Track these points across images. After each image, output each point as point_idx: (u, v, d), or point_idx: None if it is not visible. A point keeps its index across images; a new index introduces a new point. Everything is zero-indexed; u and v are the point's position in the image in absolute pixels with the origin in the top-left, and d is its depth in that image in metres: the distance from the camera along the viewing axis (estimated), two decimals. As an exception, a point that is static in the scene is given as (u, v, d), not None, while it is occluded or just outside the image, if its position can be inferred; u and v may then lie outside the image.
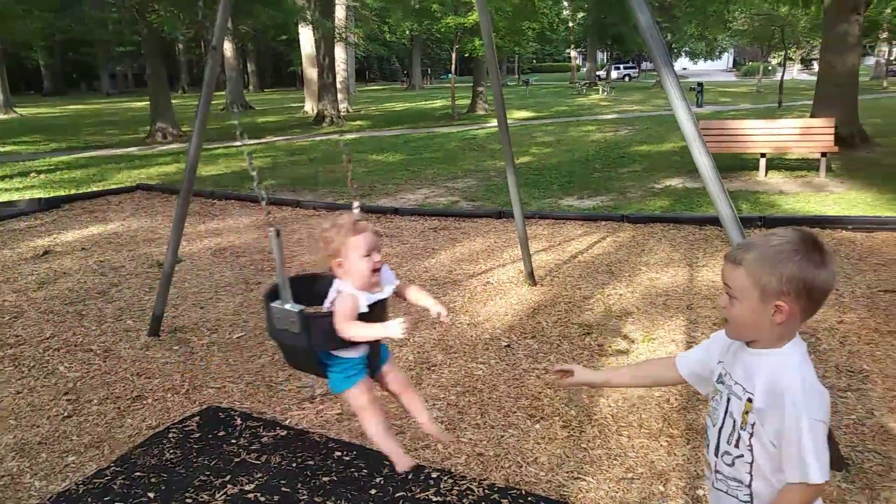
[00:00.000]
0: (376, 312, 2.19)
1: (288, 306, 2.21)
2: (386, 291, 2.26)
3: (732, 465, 1.52)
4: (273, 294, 2.29)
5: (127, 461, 3.07)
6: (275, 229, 2.30)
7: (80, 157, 14.78)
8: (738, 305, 1.46)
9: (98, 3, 22.15)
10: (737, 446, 1.50)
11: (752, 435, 1.46)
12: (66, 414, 3.53)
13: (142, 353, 4.27)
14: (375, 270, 2.19)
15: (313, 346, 2.21)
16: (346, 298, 2.15)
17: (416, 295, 2.37)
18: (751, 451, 1.47)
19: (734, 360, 1.55)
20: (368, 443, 3.15)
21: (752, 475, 1.48)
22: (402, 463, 2.33)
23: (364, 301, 2.15)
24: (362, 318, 2.16)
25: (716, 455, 1.56)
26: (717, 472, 1.57)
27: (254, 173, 2.49)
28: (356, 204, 2.56)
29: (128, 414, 3.52)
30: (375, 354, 2.32)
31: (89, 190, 10.27)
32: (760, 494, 1.49)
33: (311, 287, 2.39)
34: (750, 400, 1.46)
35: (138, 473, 2.97)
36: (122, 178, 11.78)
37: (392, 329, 2.05)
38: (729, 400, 1.53)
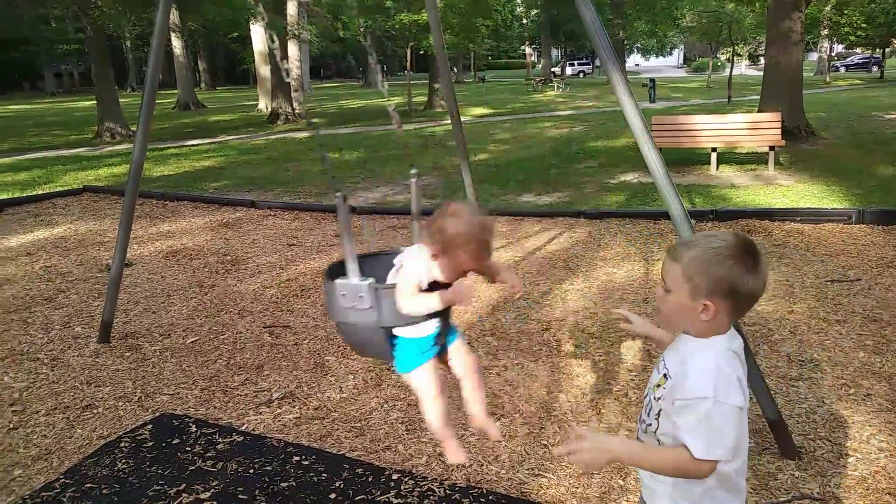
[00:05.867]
0: (438, 289, 2.07)
1: (355, 280, 2.13)
2: None
3: (646, 432, 1.61)
4: (334, 272, 2.22)
5: (77, 473, 2.97)
6: (342, 195, 2.24)
7: (24, 159, 14.27)
8: (671, 298, 1.54)
9: (37, 0, 21.38)
10: (648, 415, 1.60)
11: (661, 409, 1.55)
12: (11, 426, 3.40)
13: (91, 361, 4.14)
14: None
15: (382, 322, 2.10)
16: (409, 274, 2.05)
17: (495, 270, 2.24)
18: (658, 421, 1.56)
19: (674, 344, 1.64)
20: (327, 446, 3.11)
21: (658, 444, 1.56)
22: (456, 456, 2.28)
23: (426, 281, 2.05)
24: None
25: (638, 422, 1.68)
26: (637, 438, 1.68)
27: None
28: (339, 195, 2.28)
29: (77, 424, 3.41)
30: (444, 332, 2.21)
31: (34, 193, 9.93)
32: None
33: (378, 267, 2.27)
34: (665, 376, 1.56)
35: (89, 485, 2.87)
36: (69, 179, 11.41)
37: (457, 295, 1.98)
38: (655, 372, 1.64)
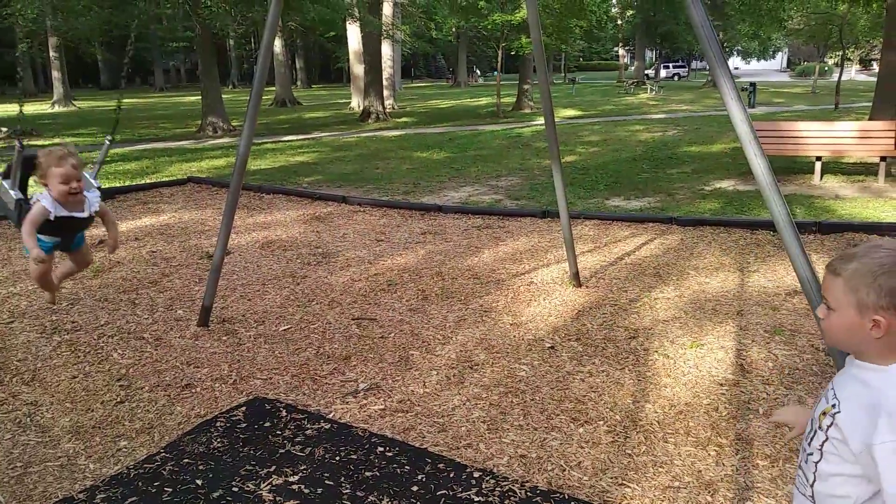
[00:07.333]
0: (64, 223, 3.36)
1: (11, 192, 3.45)
2: (83, 214, 3.42)
3: (806, 461, 1.52)
4: (6, 174, 3.56)
5: (176, 448, 3.14)
6: (21, 144, 3.59)
7: (134, 150, 15.19)
8: (835, 317, 1.43)
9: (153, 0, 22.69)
10: (810, 444, 1.50)
11: (826, 439, 1.44)
12: (118, 399, 3.63)
13: (191, 343, 4.37)
14: (72, 194, 3.27)
15: (19, 224, 3.38)
16: (37, 208, 3.24)
17: (107, 224, 3.74)
18: (820, 451, 1.46)
19: (844, 367, 1.52)
20: (410, 439, 3.17)
21: (815, 475, 1.47)
22: (47, 299, 4.26)
23: (54, 213, 3.27)
24: (50, 223, 3.29)
25: (800, 449, 1.57)
26: (798, 465, 1.58)
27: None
28: (109, 138, 4.23)
29: (177, 402, 3.60)
30: (65, 246, 3.69)
31: (143, 182, 10.56)
32: (820, 498, 1.47)
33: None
34: (834, 406, 1.44)
35: (187, 460, 3.03)
36: (174, 170, 12.07)
37: (32, 254, 3.22)
38: (821, 400, 1.52)
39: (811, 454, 1.49)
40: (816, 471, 1.47)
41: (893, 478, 1.31)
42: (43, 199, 3.26)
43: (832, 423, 1.43)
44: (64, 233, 3.55)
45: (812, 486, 1.49)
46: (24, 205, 3.42)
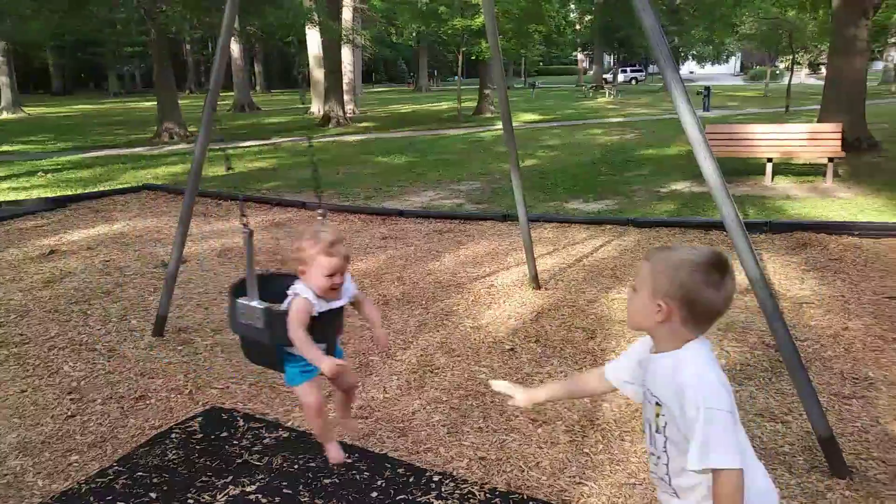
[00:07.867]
0: (326, 319, 2.49)
1: (254, 303, 2.56)
2: (341, 301, 2.57)
3: (656, 465, 1.61)
4: (238, 290, 2.64)
5: (129, 461, 3.08)
6: (249, 230, 2.81)
7: (87, 157, 14.83)
8: (636, 297, 1.59)
9: (106, 3, 22.22)
10: (654, 446, 1.61)
11: (666, 438, 1.55)
12: (69, 413, 3.54)
13: (146, 353, 4.28)
14: (333, 288, 2.47)
15: (274, 340, 2.50)
16: (300, 302, 2.43)
17: (368, 312, 2.71)
18: (666, 452, 1.56)
19: (647, 367, 1.63)
20: (370, 445, 3.16)
21: (669, 476, 1.57)
22: (336, 457, 2.79)
23: (317, 307, 2.44)
24: (313, 321, 2.43)
25: (648, 454, 1.70)
26: (650, 470, 1.68)
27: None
28: (320, 212, 3.12)
29: (131, 414, 3.53)
30: (329, 354, 2.53)
31: (96, 189, 10.31)
32: (680, 490, 1.57)
33: (272, 285, 2.66)
34: (658, 404, 1.56)
35: (140, 473, 2.97)
36: (129, 178, 11.82)
37: (324, 363, 2.32)
38: (647, 406, 1.63)
39: (659, 457, 1.58)
40: (669, 472, 1.56)
41: (700, 442, 1.42)
42: (303, 291, 2.44)
43: (666, 424, 1.54)
44: (326, 333, 2.56)
45: (671, 483, 1.58)
46: (274, 311, 2.53)
